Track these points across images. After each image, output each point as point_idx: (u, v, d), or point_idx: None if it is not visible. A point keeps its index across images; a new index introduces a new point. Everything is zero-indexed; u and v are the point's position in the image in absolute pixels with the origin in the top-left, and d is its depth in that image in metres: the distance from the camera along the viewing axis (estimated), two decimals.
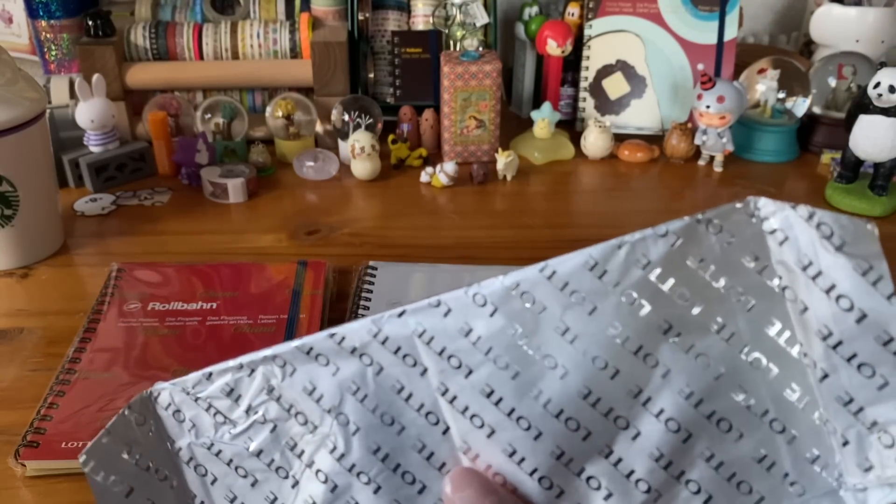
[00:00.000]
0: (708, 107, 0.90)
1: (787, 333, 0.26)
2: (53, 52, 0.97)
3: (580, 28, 1.02)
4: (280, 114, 0.93)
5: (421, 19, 1.02)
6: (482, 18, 0.96)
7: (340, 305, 0.66)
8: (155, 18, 0.97)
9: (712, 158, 0.95)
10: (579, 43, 1.01)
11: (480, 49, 0.93)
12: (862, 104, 0.81)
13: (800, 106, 0.97)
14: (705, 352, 0.26)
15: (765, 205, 0.26)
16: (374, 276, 0.68)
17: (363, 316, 0.63)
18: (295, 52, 0.96)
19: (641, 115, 1.01)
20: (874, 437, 0.24)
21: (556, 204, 0.87)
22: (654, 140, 0.98)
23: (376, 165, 0.89)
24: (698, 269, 0.27)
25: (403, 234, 0.79)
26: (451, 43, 0.99)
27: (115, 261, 0.70)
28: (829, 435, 0.25)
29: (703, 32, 0.99)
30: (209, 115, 0.93)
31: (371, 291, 0.66)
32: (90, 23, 0.91)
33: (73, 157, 0.86)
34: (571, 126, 1.03)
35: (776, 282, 0.26)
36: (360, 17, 1.01)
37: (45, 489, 0.49)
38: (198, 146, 0.87)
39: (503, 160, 0.89)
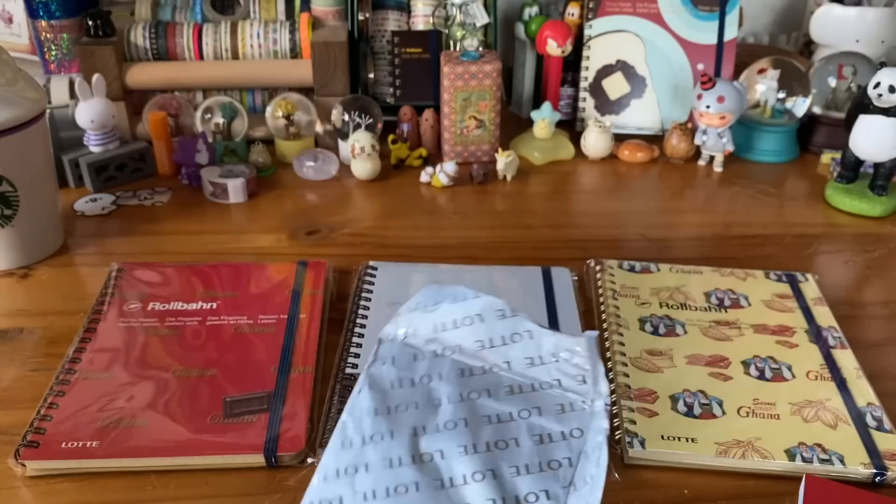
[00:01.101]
0: (708, 107, 0.90)
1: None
2: (53, 52, 0.97)
3: (580, 28, 1.02)
4: (280, 114, 0.93)
5: (421, 19, 1.02)
6: (482, 18, 0.96)
7: (340, 305, 0.66)
8: (155, 18, 0.97)
9: (712, 158, 0.95)
10: (579, 43, 1.01)
11: (480, 49, 0.93)
12: (862, 104, 0.81)
13: (800, 106, 0.97)
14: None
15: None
16: (374, 276, 0.68)
17: (363, 316, 0.63)
18: (295, 52, 0.96)
19: (641, 115, 1.01)
20: None
21: (556, 204, 0.87)
22: (654, 140, 0.98)
23: (376, 165, 0.89)
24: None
25: (403, 234, 0.79)
26: (451, 43, 0.99)
27: (115, 261, 0.70)
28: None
29: (703, 32, 0.99)
30: (209, 115, 0.93)
31: (371, 291, 0.66)
32: (90, 23, 0.91)
33: (73, 157, 0.86)
34: (571, 126, 1.03)
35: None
36: (360, 17, 1.01)
37: (45, 489, 0.49)
38: (198, 146, 0.87)
39: (503, 160, 0.89)
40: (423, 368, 0.30)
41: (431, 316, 0.31)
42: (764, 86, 0.98)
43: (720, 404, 0.54)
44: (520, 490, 0.27)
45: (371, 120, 0.91)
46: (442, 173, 0.88)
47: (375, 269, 0.69)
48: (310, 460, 0.50)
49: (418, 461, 0.28)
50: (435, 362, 0.30)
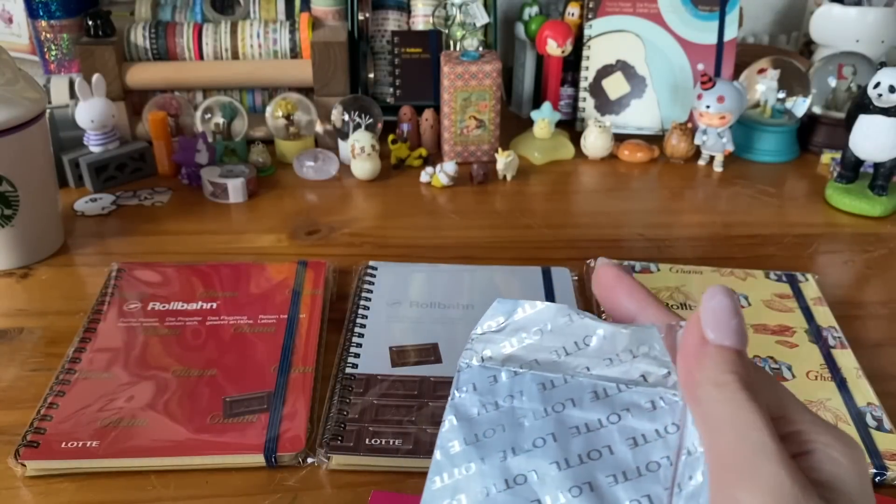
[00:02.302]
0: (708, 107, 0.90)
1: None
2: (53, 52, 0.97)
3: (580, 28, 1.02)
4: (280, 114, 0.93)
5: (421, 19, 1.02)
6: (482, 18, 0.96)
7: (340, 305, 0.66)
8: (155, 18, 0.97)
9: (712, 158, 0.95)
10: (579, 43, 1.01)
11: (480, 49, 0.93)
12: (862, 104, 0.81)
13: (800, 106, 0.97)
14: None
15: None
16: (374, 276, 0.68)
17: (363, 316, 0.63)
18: (295, 52, 0.96)
19: (641, 115, 1.01)
20: None
21: (556, 204, 0.87)
22: (654, 140, 0.98)
23: (376, 165, 0.89)
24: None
25: (403, 234, 0.79)
26: (451, 43, 0.99)
27: (115, 261, 0.70)
28: None
29: (703, 32, 0.99)
30: (209, 115, 0.93)
31: (371, 291, 0.66)
32: (90, 23, 0.91)
33: (73, 157, 0.86)
34: (571, 126, 1.03)
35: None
36: (360, 17, 1.01)
37: (45, 489, 0.49)
38: (198, 146, 0.87)
39: (503, 160, 0.89)
40: (505, 390, 0.29)
41: (502, 335, 0.30)
42: (764, 86, 0.98)
43: None
44: (620, 499, 0.26)
45: (371, 120, 0.91)
46: (442, 173, 0.88)
47: (375, 269, 0.69)
48: (310, 460, 0.50)
49: (512, 484, 0.27)
50: (515, 381, 0.29)
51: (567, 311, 0.29)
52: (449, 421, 0.29)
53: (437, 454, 0.29)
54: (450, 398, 0.30)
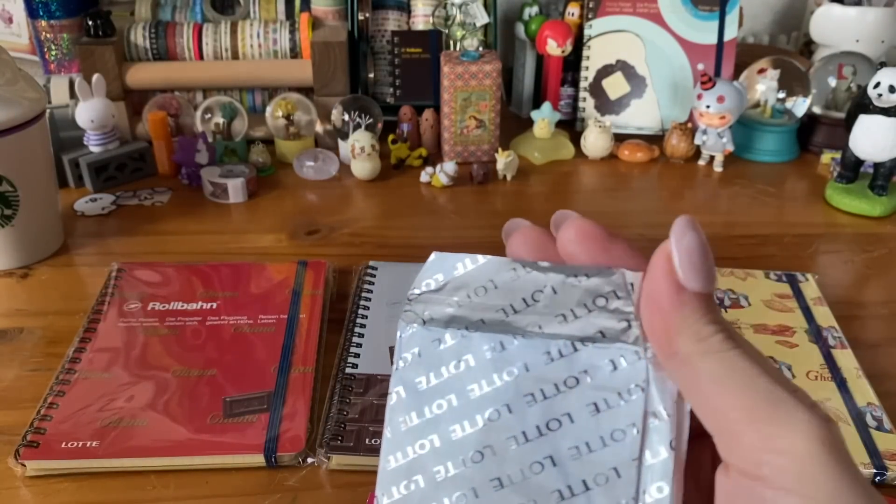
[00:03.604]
0: (708, 107, 0.90)
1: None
2: (53, 52, 0.97)
3: (580, 28, 1.02)
4: (280, 114, 0.93)
5: (421, 19, 1.02)
6: (482, 18, 0.96)
7: (340, 305, 0.66)
8: (155, 18, 0.97)
9: (712, 158, 0.95)
10: (579, 43, 1.01)
11: (480, 49, 0.93)
12: (862, 104, 0.81)
13: (800, 106, 0.97)
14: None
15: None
16: (374, 276, 0.68)
17: (363, 316, 0.63)
18: (295, 52, 0.96)
19: (641, 115, 1.01)
20: None
21: (556, 204, 0.87)
22: (654, 140, 0.98)
23: (376, 165, 0.89)
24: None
25: (403, 234, 0.79)
26: (451, 43, 0.99)
27: (115, 261, 0.70)
28: None
29: (703, 32, 0.99)
30: (209, 115, 0.93)
31: (371, 291, 0.66)
32: (90, 23, 0.91)
33: (73, 157, 0.86)
34: (571, 126, 1.03)
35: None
36: (360, 17, 1.01)
37: (45, 489, 0.49)
38: (198, 146, 0.87)
39: (503, 160, 0.89)
40: (451, 355, 0.26)
41: (443, 294, 0.27)
42: (764, 86, 0.98)
43: None
44: (585, 473, 0.24)
45: (371, 120, 0.91)
46: (442, 173, 0.88)
47: (375, 269, 0.69)
48: (310, 460, 0.50)
49: (469, 463, 0.25)
50: (462, 344, 0.26)
51: (512, 263, 0.26)
52: (396, 393, 0.26)
53: (388, 431, 0.26)
54: (394, 367, 0.27)
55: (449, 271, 0.27)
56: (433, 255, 0.27)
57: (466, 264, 0.27)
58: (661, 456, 0.24)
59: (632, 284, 0.26)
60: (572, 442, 0.24)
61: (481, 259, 0.26)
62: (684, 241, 0.24)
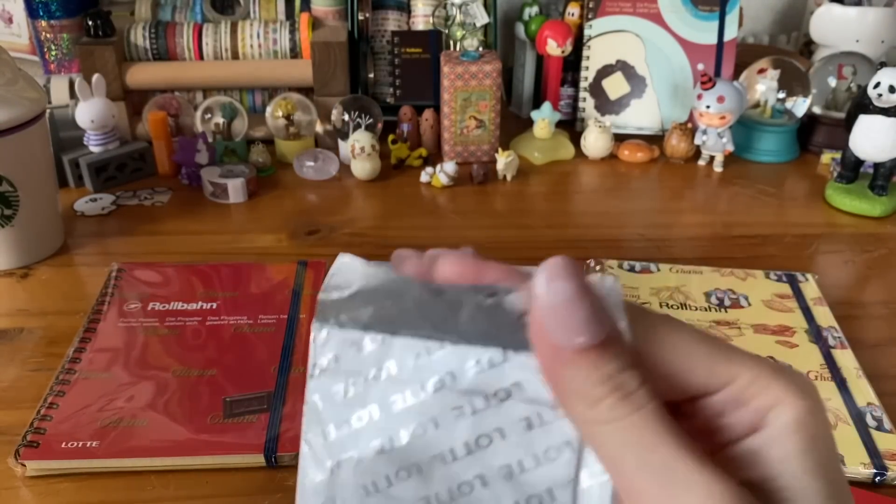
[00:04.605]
0: (708, 107, 0.90)
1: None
2: (53, 52, 0.97)
3: (580, 28, 1.02)
4: (280, 114, 0.93)
5: (421, 19, 1.02)
6: (482, 18, 0.96)
7: None
8: (155, 18, 0.97)
9: (712, 158, 0.95)
10: (579, 43, 1.01)
11: (480, 49, 0.93)
12: (862, 104, 0.81)
13: (800, 106, 0.97)
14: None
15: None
16: None
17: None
18: (295, 52, 0.96)
19: (641, 115, 1.01)
20: None
21: (556, 204, 0.87)
22: (654, 140, 0.98)
23: (376, 165, 0.89)
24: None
25: (403, 234, 0.79)
26: (451, 43, 0.99)
27: (115, 261, 0.70)
28: None
29: (703, 32, 0.99)
30: (209, 115, 0.93)
31: None
32: (90, 23, 0.91)
33: (73, 157, 0.86)
34: (571, 126, 1.03)
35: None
36: (360, 17, 1.01)
37: (45, 489, 0.49)
38: (198, 146, 0.87)
39: (503, 160, 0.89)
40: (373, 360, 0.23)
41: (357, 300, 0.24)
42: (764, 86, 0.98)
43: None
44: (518, 494, 0.22)
45: (371, 120, 0.91)
46: (442, 173, 0.88)
47: None
48: None
49: (394, 480, 0.23)
50: (383, 349, 0.23)
51: (425, 284, 0.24)
52: (313, 403, 0.24)
53: (304, 447, 0.24)
54: (308, 373, 0.24)
55: (358, 280, 0.24)
56: (342, 258, 0.25)
57: (376, 275, 0.24)
58: (598, 478, 0.22)
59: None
60: (504, 460, 0.22)
61: (390, 273, 0.24)
62: (548, 297, 0.20)
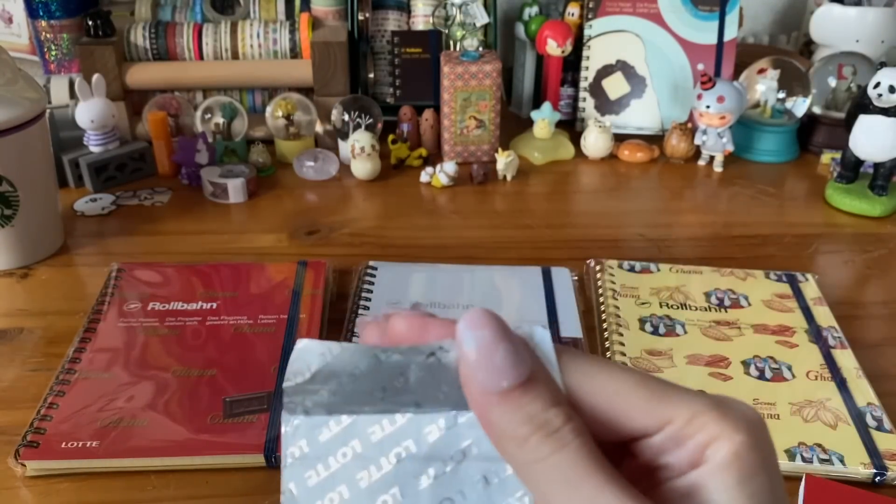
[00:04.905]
0: (708, 107, 0.90)
1: None
2: (53, 52, 0.97)
3: (580, 28, 1.02)
4: (280, 114, 0.93)
5: (421, 19, 1.02)
6: (482, 18, 0.96)
7: (340, 305, 0.66)
8: (155, 18, 0.97)
9: (712, 158, 0.95)
10: (579, 43, 1.01)
11: (480, 49, 0.93)
12: (862, 104, 0.81)
13: (800, 106, 0.97)
14: None
15: None
16: (374, 276, 0.68)
17: (363, 316, 0.63)
18: (295, 52, 0.96)
19: (641, 115, 1.01)
20: None
21: (556, 204, 0.87)
22: (654, 140, 0.98)
23: (376, 165, 0.89)
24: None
25: (403, 234, 0.79)
26: (451, 43, 0.99)
27: (115, 261, 0.70)
28: None
29: (703, 32, 0.99)
30: (209, 115, 0.93)
31: (371, 291, 0.66)
32: (90, 23, 0.91)
33: (73, 157, 0.86)
34: (571, 126, 1.03)
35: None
36: (360, 17, 1.01)
37: (45, 489, 0.49)
38: (198, 146, 0.87)
39: (503, 160, 0.89)
40: (338, 442, 0.25)
41: (316, 383, 0.26)
42: (764, 86, 0.98)
43: None
44: None
45: (371, 120, 0.91)
46: (442, 173, 0.88)
47: (375, 269, 0.69)
48: None
49: None
50: (347, 430, 0.25)
51: (372, 349, 0.26)
52: (289, 491, 0.26)
53: None
54: (282, 463, 0.26)
55: (316, 360, 0.26)
56: (299, 344, 0.26)
57: (330, 352, 0.26)
58: None
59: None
60: None
61: (341, 347, 0.26)
62: (469, 347, 0.22)
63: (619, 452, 0.23)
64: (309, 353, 0.26)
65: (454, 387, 0.24)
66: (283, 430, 0.26)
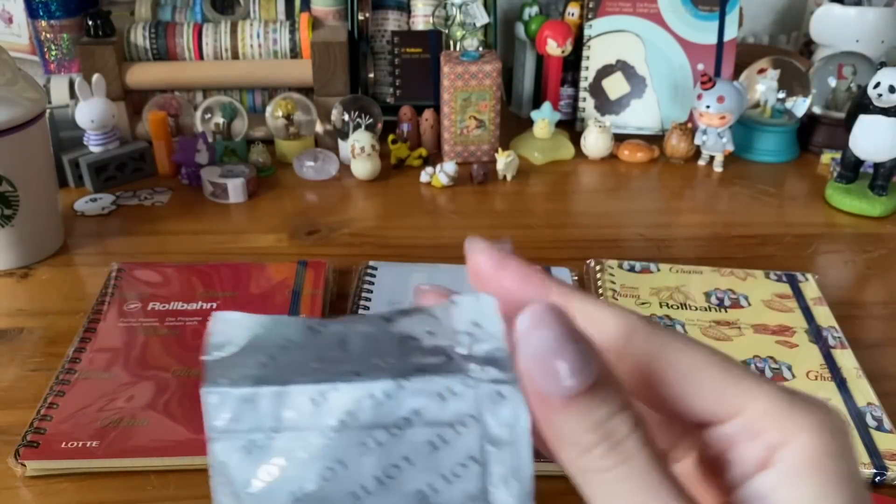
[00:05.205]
0: (708, 107, 0.90)
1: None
2: (53, 52, 0.97)
3: (580, 28, 1.02)
4: (280, 114, 0.93)
5: (421, 19, 1.02)
6: (482, 18, 0.96)
7: (340, 305, 0.66)
8: (155, 18, 0.97)
9: (712, 158, 0.95)
10: (579, 43, 1.01)
11: (480, 49, 0.93)
12: (862, 104, 0.81)
13: (800, 106, 0.97)
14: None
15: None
16: (374, 276, 0.68)
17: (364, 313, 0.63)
18: (295, 52, 0.96)
19: (641, 115, 1.01)
20: None
21: (556, 204, 0.87)
22: (654, 140, 0.98)
23: (376, 165, 0.89)
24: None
25: (403, 234, 0.79)
26: (451, 43, 0.99)
27: (115, 261, 0.70)
28: None
29: (703, 32, 0.99)
30: (209, 115, 0.93)
31: (371, 291, 0.66)
32: (90, 23, 0.91)
33: (73, 157, 0.86)
34: (571, 126, 1.03)
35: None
36: (360, 17, 1.01)
37: (45, 489, 0.49)
38: (198, 146, 0.87)
39: (503, 160, 0.89)
40: (271, 415, 0.24)
41: (242, 356, 0.24)
42: (764, 86, 0.98)
43: None
44: None
45: (371, 120, 0.91)
46: (442, 173, 0.88)
47: (375, 269, 0.69)
48: None
49: None
50: (280, 401, 0.24)
51: (306, 321, 0.25)
52: (219, 466, 0.24)
53: None
54: (207, 436, 0.24)
55: (242, 334, 0.25)
56: (217, 316, 0.25)
57: (259, 325, 0.24)
58: (508, 485, 0.22)
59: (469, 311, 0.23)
60: (416, 485, 0.23)
61: (271, 320, 0.24)
62: (530, 349, 0.20)
63: (691, 437, 0.22)
64: (233, 327, 0.24)
65: (399, 356, 0.23)
66: (205, 403, 0.24)
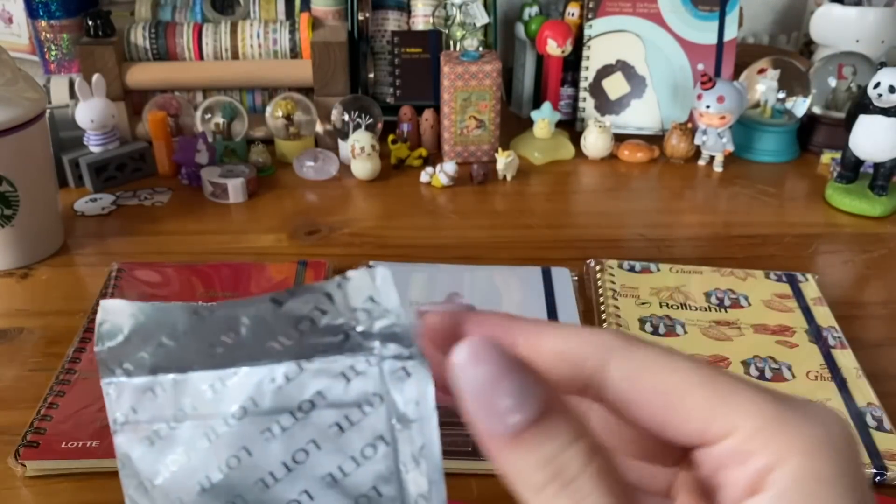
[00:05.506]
0: (708, 107, 0.90)
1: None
2: (53, 52, 0.97)
3: (580, 28, 1.02)
4: (280, 114, 0.93)
5: (421, 19, 1.02)
6: (482, 18, 0.96)
7: None
8: (155, 18, 0.97)
9: (712, 158, 0.95)
10: (579, 43, 1.01)
11: (480, 49, 0.93)
12: (862, 104, 0.81)
13: (800, 106, 0.97)
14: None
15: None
16: None
17: None
18: (295, 52, 0.96)
19: (641, 115, 1.01)
20: None
21: (556, 204, 0.87)
22: (654, 140, 0.98)
23: (376, 165, 0.89)
24: None
25: (403, 234, 0.79)
26: (451, 43, 0.99)
27: (115, 261, 0.70)
28: None
29: (703, 32, 0.99)
30: (209, 115, 0.93)
31: None
32: (90, 23, 0.91)
33: (73, 157, 0.86)
34: (571, 126, 1.03)
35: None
36: (360, 17, 1.01)
37: (45, 489, 0.49)
38: (198, 146, 0.87)
39: (503, 160, 0.89)
40: (170, 404, 0.23)
41: (132, 345, 0.24)
42: (764, 86, 0.98)
43: None
44: (346, 499, 0.22)
45: (371, 120, 0.91)
46: (442, 173, 0.88)
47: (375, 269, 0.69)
48: None
49: None
50: (178, 390, 0.23)
51: (191, 307, 0.23)
52: (123, 458, 0.23)
53: (127, 501, 0.24)
54: (111, 429, 0.24)
55: (126, 321, 0.24)
56: (103, 304, 0.24)
57: (141, 312, 0.23)
58: (419, 464, 0.22)
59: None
60: (325, 469, 0.22)
61: (152, 307, 0.23)
62: (469, 386, 0.19)
63: (678, 455, 0.20)
64: (117, 315, 0.23)
65: (295, 338, 0.22)
66: (105, 395, 0.23)
